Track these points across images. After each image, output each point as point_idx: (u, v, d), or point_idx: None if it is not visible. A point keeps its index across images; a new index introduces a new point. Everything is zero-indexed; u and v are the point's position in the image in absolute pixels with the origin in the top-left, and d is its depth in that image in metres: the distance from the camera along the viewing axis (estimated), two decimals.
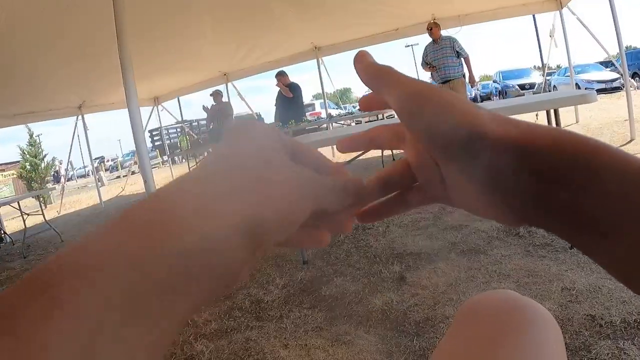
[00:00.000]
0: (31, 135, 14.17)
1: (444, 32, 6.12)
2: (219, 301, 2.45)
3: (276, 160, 0.24)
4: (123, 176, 19.40)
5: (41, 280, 0.15)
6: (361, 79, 0.33)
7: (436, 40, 6.03)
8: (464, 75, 6.03)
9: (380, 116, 7.32)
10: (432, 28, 6.01)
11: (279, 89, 7.24)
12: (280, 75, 7.20)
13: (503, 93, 19.00)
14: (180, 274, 0.17)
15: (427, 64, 6.19)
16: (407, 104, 0.28)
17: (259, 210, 0.20)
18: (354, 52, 0.32)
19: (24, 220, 5.38)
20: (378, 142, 0.35)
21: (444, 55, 5.95)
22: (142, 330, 0.16)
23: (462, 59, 5.99)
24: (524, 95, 15.04)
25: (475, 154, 0.26)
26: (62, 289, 0.15)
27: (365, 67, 0.32)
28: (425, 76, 7.52)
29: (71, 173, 27.29)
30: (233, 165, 0.22)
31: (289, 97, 7.12)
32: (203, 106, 8.19)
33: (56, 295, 0.15)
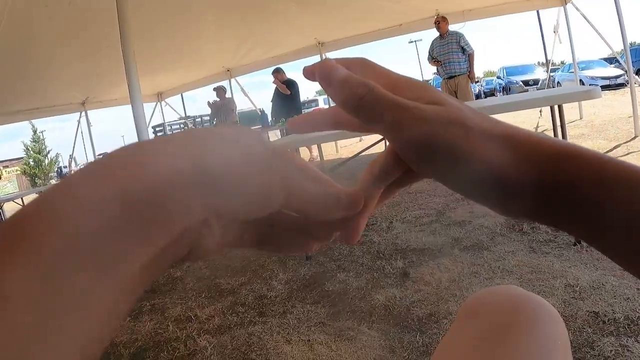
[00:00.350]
0: (35, 132, 14.22)
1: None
2: (222, 297, 2.46)
3: (252, 144, 0.23)
4: None
5: (12, 223, 0.16)
6: (335, 101, 0.27)
7: (443, 34, 5.98)
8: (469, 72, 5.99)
9: None
10: (440, 22, 5.94)
11: (275, 85, 7.23)
12: (277, 72, 7.19)
13: (507, 89, 18.92)
14: (133, 219, 0.17)
15: (432, 59, 6.15)
16: (418, 156, 0.26)
17: (220, 172, 0.20)
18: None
19: None
20: (345, 123, 0.30)
21: (449, 50, 5.90)
22: (94, 274, 0.16)
23: (467, 54, 5.95)
24: (527, 91, 14.98)
25: (493, 195, 0.26)
26: (25, 230, 0.16)
27: (347, 87, 0.26)
28: (431, 70, 7.51)
29: (75, 169, 27.31)
30: (207, 137, 0.22)
31: (286, 93, 7.10)
32: (208, 102, 8.20)
33: (19, 236, 0.15)
